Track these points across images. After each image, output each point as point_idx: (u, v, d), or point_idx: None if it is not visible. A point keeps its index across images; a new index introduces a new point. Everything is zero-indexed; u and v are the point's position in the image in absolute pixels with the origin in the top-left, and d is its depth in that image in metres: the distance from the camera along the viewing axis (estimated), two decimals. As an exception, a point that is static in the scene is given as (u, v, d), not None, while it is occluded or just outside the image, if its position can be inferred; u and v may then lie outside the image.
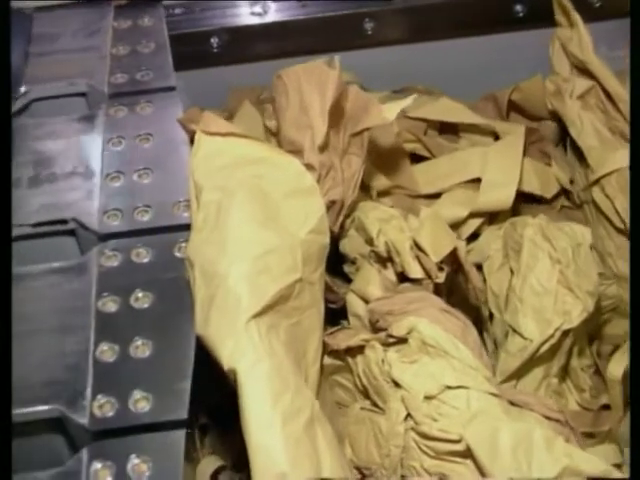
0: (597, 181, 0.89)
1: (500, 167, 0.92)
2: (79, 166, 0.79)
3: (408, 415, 0.69)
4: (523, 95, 1.03)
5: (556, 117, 0.99)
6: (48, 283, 0.70)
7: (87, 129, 0.82)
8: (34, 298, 0.69)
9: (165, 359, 0.65)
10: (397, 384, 0.71)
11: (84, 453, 0.59)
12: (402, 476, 0.71)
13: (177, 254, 0.71)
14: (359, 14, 1.05)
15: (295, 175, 0.73)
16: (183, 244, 0.71)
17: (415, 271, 0.78)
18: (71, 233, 0.76)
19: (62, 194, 0.76)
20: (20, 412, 0.62)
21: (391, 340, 0.74)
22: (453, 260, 0.82)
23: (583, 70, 0.95)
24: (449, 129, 1.01)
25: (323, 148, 0.74)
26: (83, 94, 0.87)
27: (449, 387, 0.68)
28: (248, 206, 0.69)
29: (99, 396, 0.62)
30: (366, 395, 0.76)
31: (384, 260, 0.82)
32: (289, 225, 0.71)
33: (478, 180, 0.92)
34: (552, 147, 1.01)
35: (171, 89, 0.86)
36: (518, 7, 1.08)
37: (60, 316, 0.68)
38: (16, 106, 0.85)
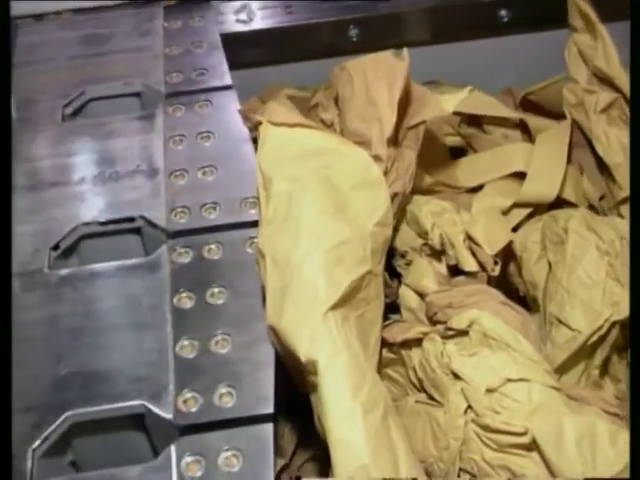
0: (625, 199, 0.88)
1: (546, 160, 0.92)
2: (142, 164, 0.79)
3: (468, 408, 0.69)
4: (541, 94, 1.02)
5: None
6: (122, 280, 0.70)
7: (147, 128, 0.82)
8: (109, 295, 0.69)
9: (246, 354, 0.64)
10: (456, 377, 0.70)
11: (173, 448, 0.59)
12: (460, 469, 0.72)
13: (248, 250, 0.72)
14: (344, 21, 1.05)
15: (362, 166, 0.73)
16: (254, 240, 0.72)
17: (470, 264, 0.79)
18: (135, 231, 0.77)
19: (127, 192, 0.77)
20: (105, 408, 0.62)
21: (450, 333, 0.73)
22: (506, 253, 0.83)
23: (604, 80, 0.94)
24: (474, 122, 1.01)
25: (391, 140, 0.74)
26: (138, 94, 0.88)
27: (510, 380, 0.68)
28: (319, 197, 0.69)
29: (183, 391, 0.62)
30: (420, 388, 0.75)
31: (437, 253, 0.82)
32: (358, 217, 0.71)
33: (519, 174, 0.92)
34: (586, 153, 0.99)
35: (228, 88, 0.86)
36: (503, 12, 1.07)
37: (136, 313, 0.68)
38: (73, 106, 0.86)
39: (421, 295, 0.80)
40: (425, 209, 0.82)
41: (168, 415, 0.61)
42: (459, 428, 0.69)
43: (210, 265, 0.71)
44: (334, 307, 0.63)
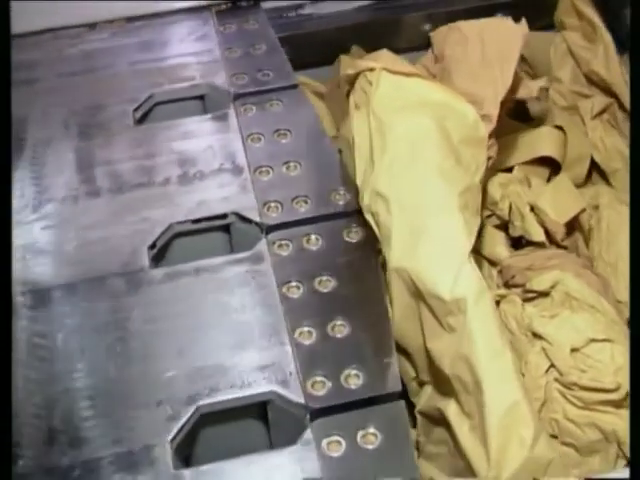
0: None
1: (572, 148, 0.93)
2: (225, 163, 0.80)
3: (550, 367, 0.70)
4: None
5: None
6: (227, 274, 0.71)
7: (222, 128, 0.83)
8: (217, 289, 0.69)
9: (364, 337, 0.66)
10: (536, 337, 0.72)
11: (311, 431, 0.60)
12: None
13: (347, 239, 0.73)
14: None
15: (472, 123, 0.73)
16: (353, 229, 0.74)
17: (539, 234, 0.81)
18: (223, 229, 0.78)
19: (215, 190, 0.78)
20: (235, 397, 0.63)
21: (530, 295, 0.75)
22: (573, 224, 0.84)
23: (597, 84, 0.96)
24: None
25: (503, 104, 0.75)
26: (203, 96, 0.89)
27: (594, 340, 0.70)
28: (441, 145, 0.70)
29: (310, 376, 0.63)
30: None
31: (503, 225, 0.84)
32: (468, 170, 0.72)
33: (544, 159, 0.92)
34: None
35: (294, 87, 0.88)
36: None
37: (250, 304, 0.68)
38: (142, 110, 0.87)
39: (492, 262, 0.82)
40: (494, 180, 0.84)
41: (300, 399, 0.62)
42: (540, 388, 0.70)
43: (312, 255, 0.72)
44: (471, 250, 0.65)
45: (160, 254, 0.75)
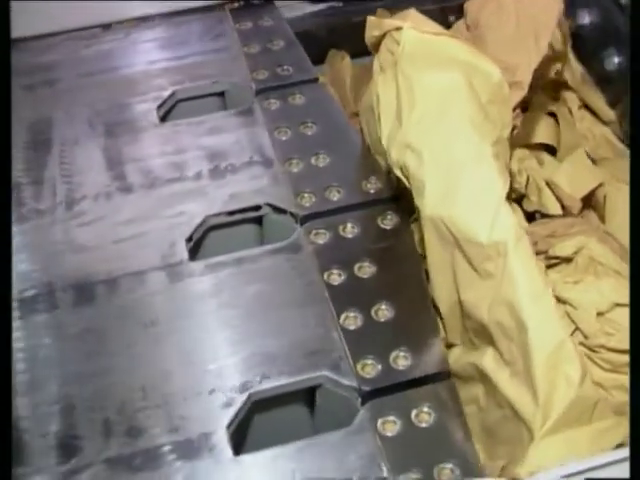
0: None
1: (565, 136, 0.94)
2: (254, 156, 0.81)
3: (575, 330, 0.70)
4: None
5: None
6: (269, 263, 0.72)
7: (248, 122, 0.84)
8: (260, 278, 0.70)
9: (409, 319, 0.67)
10: (560, 302, 0.71)
11: (365, 412, 0.61)
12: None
13: (382, 225, 0.74)
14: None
15: (497, 83, 0.74)
16: (387, 216, 0.75)
17: (555, 208, 0.82)
18: (254, 220, 0.79)
19: (248, 183, 0.78)
20: (288, 382, 0.63)
21: (553, 262, 0.75)
22: (589, 198, 0.84)
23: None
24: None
25: (536, 72, 0.77)
26: (225, 92, 0.90)
27: (619, 305, 0.69)
28: (471, 101, 0.71)
29: (359, 359, 0.64)
30: None
31: (519, 199, 0.85)
32: (495, 127, 0.72)
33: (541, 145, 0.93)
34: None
35: (315, 80, 0.89)
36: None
37: (293, 292, 0.69)
38: (164, 108, 0.88)
39: None
40: (512, 154, 0.83)
41: (352, 382, 0.63)
42: None
43: (349, 242, 0.73)
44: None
45: (195, 248, 0.76)
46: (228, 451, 0.60)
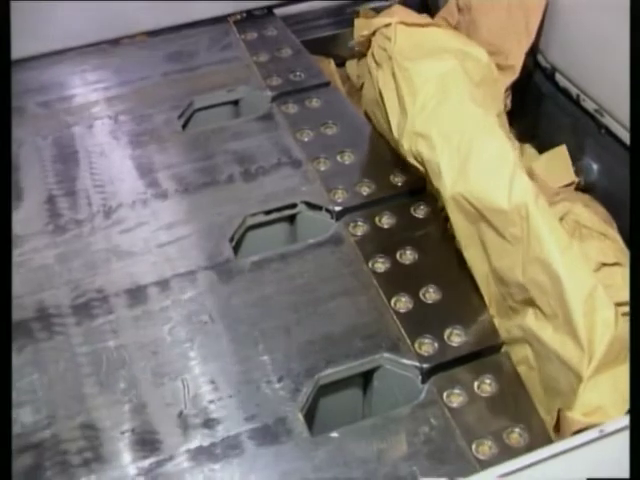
0: None
1: None
2: (282, 157, 0.83)
3: None
4: None
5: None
6: (314, 256, 0.74)
7: (269, 127, 0.87)
8: (308, 270, 0.73)
9: (456, 299, 0.71)
10: None
11: (430, 387, 0.64)
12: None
13: (415, 214, 0.78)
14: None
15: (486, 65, 0.79)
16: (419, 205, 0.78)
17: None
18: (287, 219, 0.82)
19: (280, 183, 0.81)
20: (352, 365, 0.66)
21: None
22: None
23: None
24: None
25: (527, 55, 0.82)
26: (239, 100, 0.93)
27: (606, 264, 0.75)
28: (467, 82, 0.75)
29: (416, 339, 0.67)
30: None
31: None
32: (493, 102, 0.78)
33: None
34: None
35: (327, 84, 0.92)
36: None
37: (342, 281, 0.72)
38: (184, 117, 0.90)
39: None
40: None
41: (412, 361, 0.66)
42: None
43: (387, 232, 0.76)
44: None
45: (236, 247, 0.78)
46: (306, 433, 0.62)
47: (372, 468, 0.61)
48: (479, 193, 0.68)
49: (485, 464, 0.60)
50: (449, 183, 0.70)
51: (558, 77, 0.82)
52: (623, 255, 0.76)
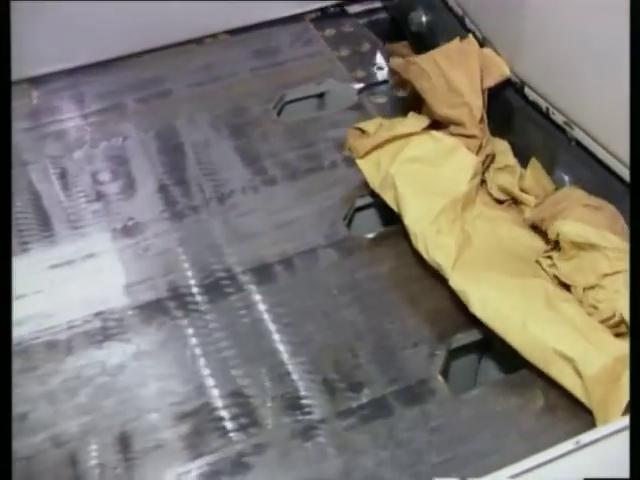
0: None
1: None
2: (379, 144, 0.88)
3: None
4: None
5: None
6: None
7: (361, 116, 0.90)
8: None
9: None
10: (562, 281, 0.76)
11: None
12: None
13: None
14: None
15: (434, 143, 0.80)
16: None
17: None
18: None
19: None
20: (475, 331, 0.70)
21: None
22: None
23: None
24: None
25: (481, 119, 0.82)
26: (327, 92, 0.96)
27: (607, 275, 0.74)
28: (413, 184, 0.76)
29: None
30: None
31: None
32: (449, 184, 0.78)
33: None
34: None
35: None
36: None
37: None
38: (277, 109, 0.93)
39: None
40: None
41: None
42: None
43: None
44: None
45: (348, 226, 0.81)
46: (447, 393, 0.66)
47: (514, 420, 0.64)
48: None
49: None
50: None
51: (527, 91, 0.83)
52: (622, 261, 0.74)
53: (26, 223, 0.81)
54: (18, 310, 0.74)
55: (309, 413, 0.65)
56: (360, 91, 0.95)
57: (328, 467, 0.62)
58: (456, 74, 0.83)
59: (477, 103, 0.83)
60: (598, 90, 0.72)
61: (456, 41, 0.86)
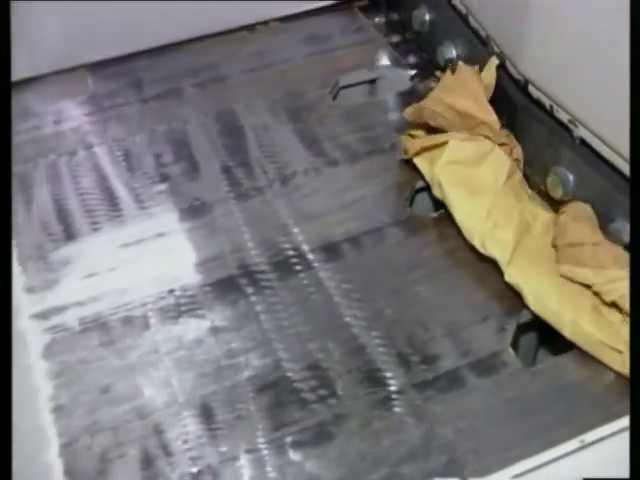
0: None
1: None
2: (433, 127, 0.89)
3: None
4: None
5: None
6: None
7: (416, 102, 0.91)
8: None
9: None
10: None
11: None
12: None
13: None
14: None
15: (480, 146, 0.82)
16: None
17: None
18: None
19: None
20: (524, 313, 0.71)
21: None
22: None
23: None
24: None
25: (502, 128, 0.84)
26: (379, 78, 0.98)
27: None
28: (460, 185, 0.79)
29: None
30: None
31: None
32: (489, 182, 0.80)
33: None
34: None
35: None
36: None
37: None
38: (332, 94, 0.95)
39: None
40: None
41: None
42: None
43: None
44: None
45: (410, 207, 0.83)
46: (519, 365, 0.67)
47: (586, 391, 0.65)
48: None
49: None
50: None
51: (531, 89, 0.83)
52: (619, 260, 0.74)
53: (94, 204, 0.83)
54: (94, 287, 0.77)
55: (386, 385, 0.67)
56: (412, 77, 0.98)
57: (409, 436, 0.63)
58: (462, 102, 0.85)
59: (491, 118, 0.84)
60: (603, 88, 0.73)
61: (448, 74, 0.88)
